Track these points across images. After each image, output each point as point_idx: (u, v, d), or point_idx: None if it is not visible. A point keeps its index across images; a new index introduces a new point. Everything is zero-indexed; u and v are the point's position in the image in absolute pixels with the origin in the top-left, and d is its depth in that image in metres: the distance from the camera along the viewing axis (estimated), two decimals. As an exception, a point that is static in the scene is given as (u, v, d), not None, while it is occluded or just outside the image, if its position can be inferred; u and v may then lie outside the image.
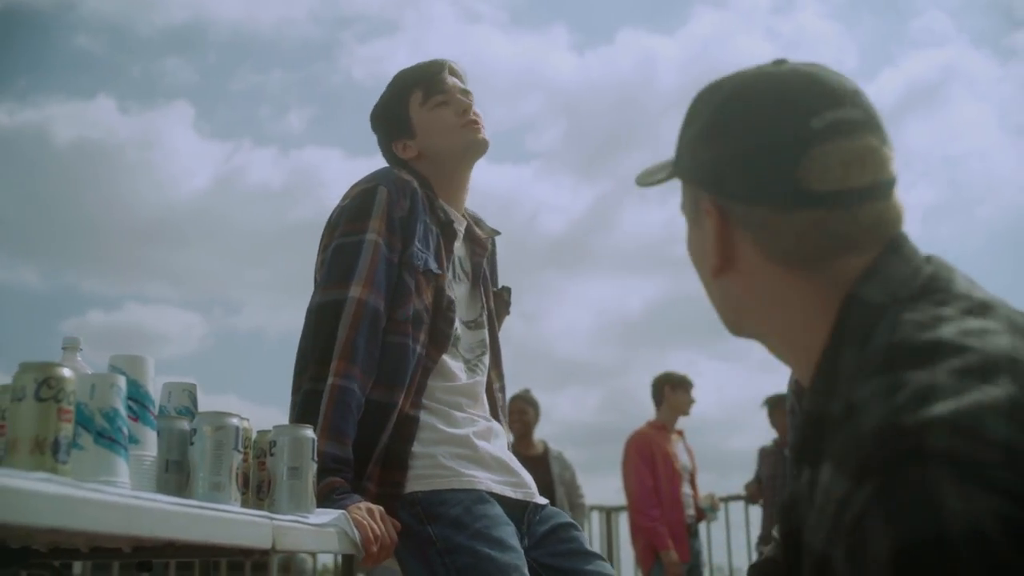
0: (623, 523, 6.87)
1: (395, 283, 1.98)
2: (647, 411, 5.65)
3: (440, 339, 2.03)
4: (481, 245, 2.22)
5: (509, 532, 1.91)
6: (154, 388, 1.48)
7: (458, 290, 2.13)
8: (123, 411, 1.34)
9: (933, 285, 0.86)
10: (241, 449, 1.51)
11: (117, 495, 1.10)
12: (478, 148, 2.14)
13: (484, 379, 2.15)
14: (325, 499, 1.74)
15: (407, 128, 2.16)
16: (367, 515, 1.72)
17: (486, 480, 1.97)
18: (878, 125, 0.92)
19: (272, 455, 1.62)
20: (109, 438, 1.31)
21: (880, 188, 0.90)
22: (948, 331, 0.78)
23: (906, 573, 0.65)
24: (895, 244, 0.90)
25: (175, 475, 1.48)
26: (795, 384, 0.96)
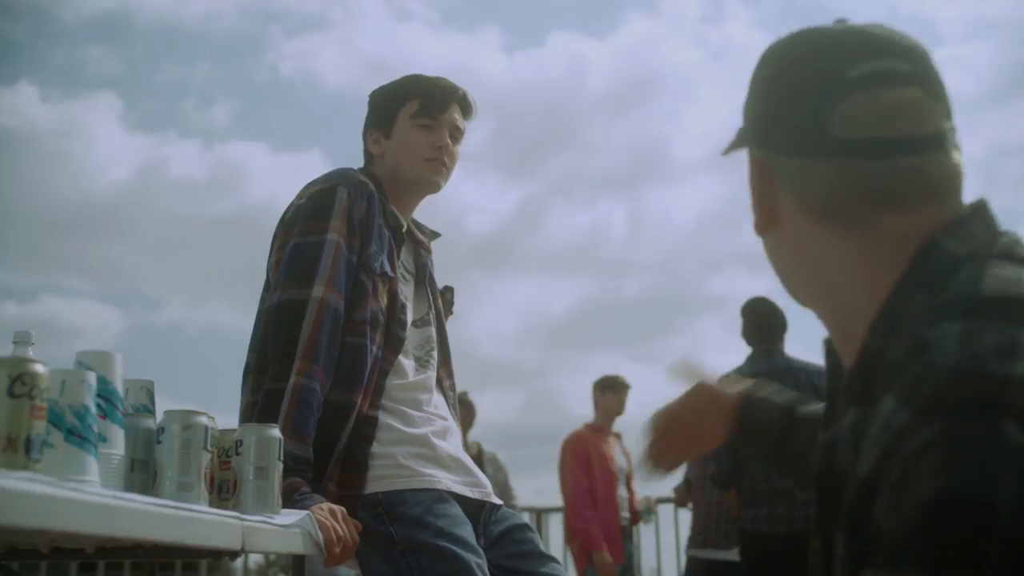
0: (553, 524, 6.92)
1: (352, 284, 1.98)
2: (568, 413, 5.73)
3: (394, 342, 2.04)
4: (423, 246, 2.23)
5: (469, 531, 1.92)
6: (121, 385, 1.45)
7: (406, 291, 2.13)
8: (93, 409, 1.31)
9: (1015, 250, 0.85)
10: (210, 448, 1.49)
11: (98, 495, 1.08)
12: (429, 188, 2.17)
13: (434, 374, 2.15)
14: (286, 499, 1.73)
15: (388, 126, 2.17)
16: (330, 516, 1.71)
17: (445, 480, 1.97)
18: (930, 79, 0.90)
19: (238, 455, 1.59)
20: (79, 436, 1.28)
21: (919, 141, 0.87)
22: None
23: (938, 522, 0.65)
24: (977, 208, 0.88)
25: (140, 474, 1.45)
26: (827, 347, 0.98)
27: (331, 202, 1.98)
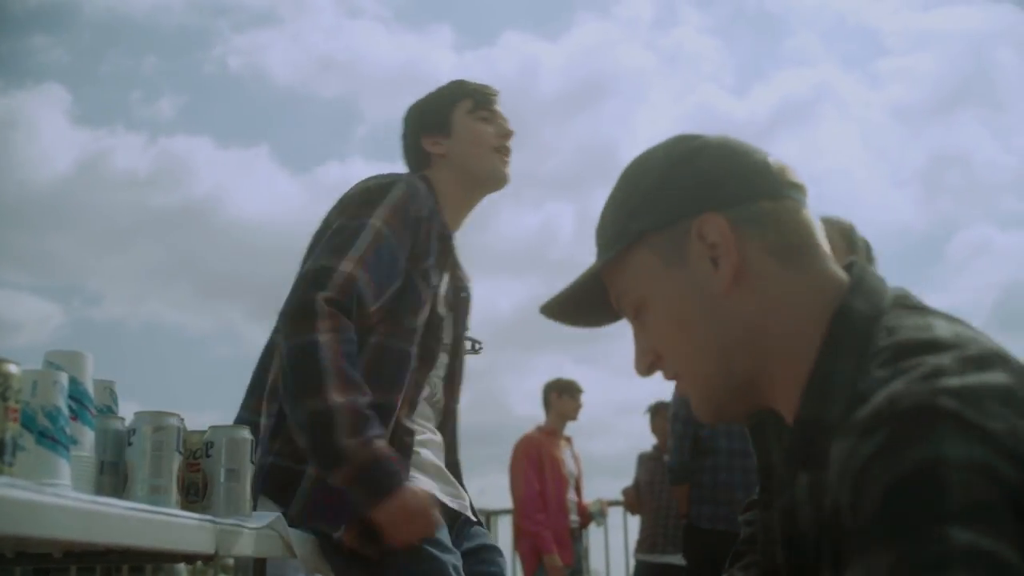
0: (501, 526, 6.92)
1: (405, 286, 1.95)
2: (512, 413, 5.72)
3: (428, 356, 2.02)
4: (460, 277, 2.19)
5: (445, 534, 1.92)
6: (92, 386, 1.41)
7: (442, 308, 2.09)
8: (65, 410, 1.27)
9: (904, 299, 0.93)
10: (181, 451, 1.46)
11: (77, 501, 1.05)
12: (499, 179, 2.16)
13: (436, 395, 2.12)
14: (370, 472, 1.74)
15: (445, 127, 2.16)
16: (401, 519, 1.75)
17: (426, 484, 1.96)
18: None
19: (208, 457, 1.57)
20: (52, 438, 1.24)
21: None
22: (942, 332, 0.84)
23: (897, 498, 0.70)
24: (860, 265, 0.98)
25: (110, 477, 1.42)
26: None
27: (384, 194, 1.97)
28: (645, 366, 1.03)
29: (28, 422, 1.23)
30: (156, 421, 1.44)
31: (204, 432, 1.61)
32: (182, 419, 1.51)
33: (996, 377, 0.77)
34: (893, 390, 0.76)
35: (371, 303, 1.89)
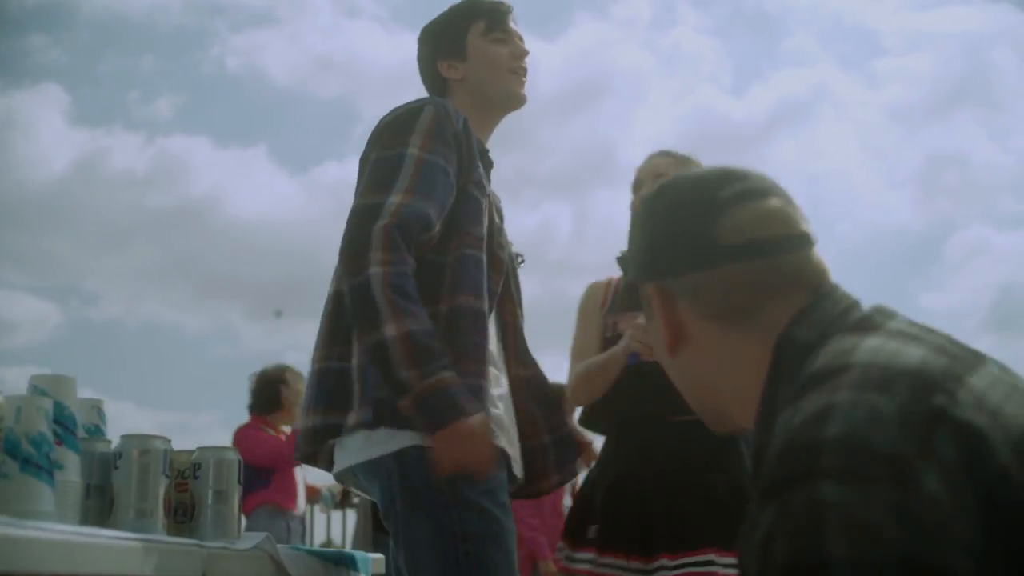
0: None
1: (462, 198, 1.94)
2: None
3: (496, 263, 2.00)
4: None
5: (506, 494, 1.89)
6: (77, 408, 1.40)
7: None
8: (50, 436, 1.27)
9: (865, 323, 0.93)
10: (168, 474, 1.45)
11: (60, 533, 1.05)
12: (516, 100, 2.16)
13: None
14: (426, 403, 1.72)
15: (460, 50, 2.14)
16: (451, 450, 1.72)
17: (504, 443, 1.91)
18: (782, 192, 1.03)
19: (196, 478, 1.56)
20: (36, 465, 1.24)
21: (793, 240, 1.00)
22: (861, 353, 0.84)
23: None
24: (825, 291, 0.99)
25: (96, 501, 1.41)
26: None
27: (415, 119, 1.94)
28: None
29: (12, 449, 1.22)
30: (142, 444, 1.43)
31: (192, 452, 1.61)
32: (169, 441, 1.51)
33: (890, 400, 0.77)
34: (783, 444, 0.78)
35: (436, 223, 1.87)
